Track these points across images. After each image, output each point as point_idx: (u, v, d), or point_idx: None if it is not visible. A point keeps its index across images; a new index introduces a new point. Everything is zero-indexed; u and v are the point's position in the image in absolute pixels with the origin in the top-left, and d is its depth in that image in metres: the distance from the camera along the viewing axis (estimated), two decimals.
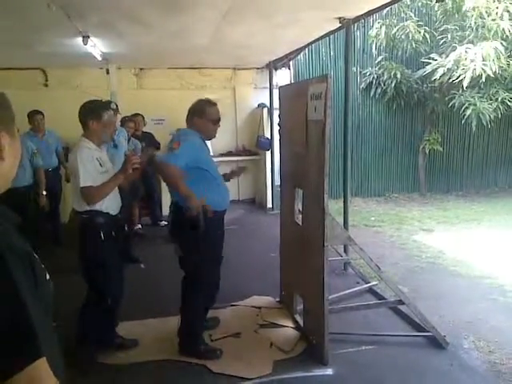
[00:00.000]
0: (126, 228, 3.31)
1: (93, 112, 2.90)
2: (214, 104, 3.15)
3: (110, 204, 2.92)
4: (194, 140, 2.99)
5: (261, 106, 7.99)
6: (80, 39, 4.88)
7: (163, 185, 7.08)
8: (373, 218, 7.40)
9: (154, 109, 7.31)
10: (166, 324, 3.52)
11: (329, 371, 2.95)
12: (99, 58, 5.89)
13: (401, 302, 3.47)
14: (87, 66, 6.96)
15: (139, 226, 6.44)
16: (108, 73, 6.85)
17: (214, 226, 2.99)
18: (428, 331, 3.29)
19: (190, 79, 7.91)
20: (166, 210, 7.24)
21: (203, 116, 3.05)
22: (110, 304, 2.94)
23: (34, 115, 5.56)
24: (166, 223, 6.66)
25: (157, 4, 3.91)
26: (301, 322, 3.48)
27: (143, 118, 6.53)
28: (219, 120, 3.15)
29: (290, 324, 3.56)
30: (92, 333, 2.94)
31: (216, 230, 3.07)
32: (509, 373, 2.96)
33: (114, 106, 4.96)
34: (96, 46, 5.47)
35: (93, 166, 2.81)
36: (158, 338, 3.35)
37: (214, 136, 3.20)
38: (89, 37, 4.90)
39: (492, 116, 7.82)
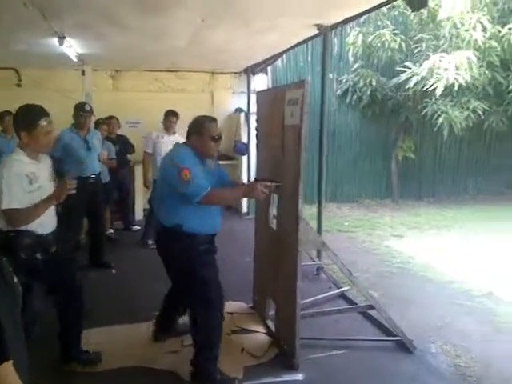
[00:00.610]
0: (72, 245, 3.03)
1: (24, 121, 2.57)
2: (214, 120, 2.96)
3: (40, 222, 2.59)
4: (192, 161, 2.76)
5: (238, 110, 8.02)
6: (56, 40, 4.82)
7: (137, 189, 7.05)
8: (346, 224, 7.49)
9: (130, 111, 7.25)
10: (135, 330, 3.49)
11: (299, 376, 2.97)
12: (75, 59, 5.82)
13: (371, 307, 3.53)
14: (62, 67, 6.86)
15: (111, 230, 6.36)
16: (83, 74, 6.76)
17: (205, 250, 2.86)
18: (397, 336, 3.36)
19: (167, 82, 7.88)
20: (139, 215, 7.20)
21: (202, 133, 2.84)
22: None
23: (3, 116, 5.45)
24: (138, 228, 6.61)
25: (134, 5, 3.89)
26: (273, 328, 3.50)
27: (118, 120, 6.47)
28: (220, 137, 2.92)
29: (262, 329, 3.57)
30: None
31: (208, 253, 2.90)
32: (474, 376, 3.04)
33: (88, 108, 4.93)
34: (72, 47, 5.41)
35: (19, 184, 2.48)
36: (128, 344, 3.31)
37: (215, 155, 3.01)
38: (65, 37, 4.85)
39: (463, 124, 8.01)
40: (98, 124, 5.75)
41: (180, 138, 5.84)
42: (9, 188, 2.45)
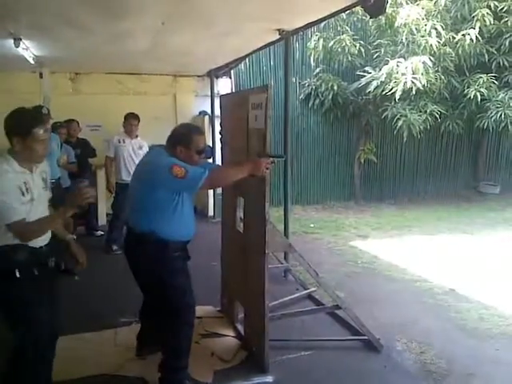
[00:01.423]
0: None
1: (18, 127, 2.31)
2: (202, 133, 2.85)
3: None
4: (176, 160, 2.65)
5: (202, 113, 7.98)
6: (11, 41, 4.65)
7: (99, 193, 6.90)
8: (312, 226, 7.57)
9: (91, 114, 7.08)
10: (101, 337, 3.40)
11: (269, 378, 2.97)
12: (32, 62, 5.64)
13: (338, 307, 3.57)
14: (19, 70, 6.64)
15: (74, 236, 6.18)
16: (41, 77, 6.56)
17: (178, 257, 2.78)
18: (364, 335, 3.41)
19: (128, 85, 7.76)
20: (102, 220, 7.04)
21: (189, 146, 2.71)
22: (32, 355, 2.35)
23: None
24: (101, 233, 6.46)
25: (94, 8, 3.81)
26: (242, 331, 3.49)
27: (78, 124, 6.32)
28: (204, 150, 2.82)
29: (231, 333, 3.56)
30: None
31: (180, 260, 2.82)
32: (438, 372, 3.12)
33: (46, 111, 4.79)
34: (29, 49, 5.23)
35: (13, 196, 2.24)
36: (94, 351, 3.23)
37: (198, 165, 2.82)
38: (21, 39, 4.68)
39: (421, 127, 8.28)
40: (55, 127, 5.58)
41: (142, 141, 5.78)
42: (8, 199, 2.20)
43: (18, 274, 2.28)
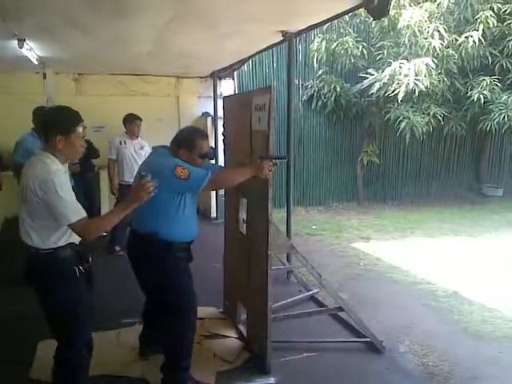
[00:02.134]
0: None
1: (62, 125, 2.29)
2: (206, 137, 2.87)
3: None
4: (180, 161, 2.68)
5: (205, 115, 7.99)
6: (15, 42, 4.67)
7: (102, 194, 6.91)
8: (314, 227, 7.56)
9: (94, 115, 7.04)
10: (104, 338, 3.40)
11: (271, 380, 2.97)
12: (35, 62, 5.65)
13: (340, 309, 3.56)
14: (22, 70, 6.65)
15: None
16: (45, 78, 6.57)
17: (181, 258, 2.80)
18: (366, 337, 3.41)
19: (131, 86, 7.76)
20: None
21: (193, 150, 2.75)
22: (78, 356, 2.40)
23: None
24: (105, 234, 6.45)
25: (97, 9, 3.81)
26: (244, 332, 3.49)
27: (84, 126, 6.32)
28: (207, 154, 2.87)
29: (234, 334, 3.56)
30: None
31: (183, 261, 2.84)
32: (440, 374, 3.12)
33: None
34: (32, 50, 5.25)
35: (71, 194, 2.23)
36: (97, 352, 3.19)
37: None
38: (24, 40, 4.69)
39: (424, 129, 8.26)
40: None
41: (143, 141, 5.80)
42: (68, 198, 2.19)
43: (77, 274, 2.32)
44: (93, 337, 2.51)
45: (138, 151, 5.72)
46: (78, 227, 2.21)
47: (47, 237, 2.26)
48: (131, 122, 5.70)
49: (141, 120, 5.76)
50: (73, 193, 2.25)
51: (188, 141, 2.77)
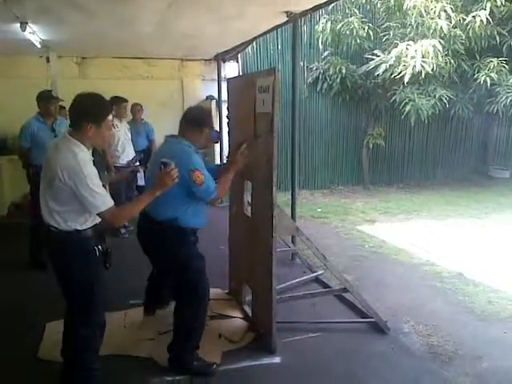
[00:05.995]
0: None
1: (95, 113, 2.30)
2: (210, 112, 3.06)
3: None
4: (201, 163, 2.80)
5: (209, 98, 7.94)
6: (17, 25, 4.64)
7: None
8: (319, 210, 7.57)
9: None
10: (110, 319, 3.40)
11: (276, 359, 3.01)
12: (38, 46, 5.62)
13: (345, 290, 3.59)
14: (26, 54, 6.62)
15: None
16: (48, 61, 6.55)
17: (194, 242, 2.92)
18: (371, 317, 3.43)
19: (135, 69, 7.72)
20: None
21: (205, 127, 2.90)
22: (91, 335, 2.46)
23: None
24: None
25: None
26: (249, 313, 3.52)
27: None
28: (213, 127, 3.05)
29: (239, 315, 3.59)
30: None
31: (195, 245, 2.95)
32: (444, 354, 3.14)
33: (55, 95, 4.79)
34: (35, 33, 5.22)
35: (99, 183, 2.26)
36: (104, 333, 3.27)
37: (206, 146, 3.06)
38: (27, 23, 4.67)
39: (430, 112, 8.19)
40: (63, 112, 5.57)
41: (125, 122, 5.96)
42: (98, 186, 2.23)
43: (97, 253, 2.41)
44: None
45: (127, 133, 5.89)
46: (107, 216, 2.28)
47: (72, 219, 2.30)
48: (119, 104, 5.73)
49: (127, 101, 5.91)
50: (99, 181, 2.28)
51: (200, 121, 2.89)
